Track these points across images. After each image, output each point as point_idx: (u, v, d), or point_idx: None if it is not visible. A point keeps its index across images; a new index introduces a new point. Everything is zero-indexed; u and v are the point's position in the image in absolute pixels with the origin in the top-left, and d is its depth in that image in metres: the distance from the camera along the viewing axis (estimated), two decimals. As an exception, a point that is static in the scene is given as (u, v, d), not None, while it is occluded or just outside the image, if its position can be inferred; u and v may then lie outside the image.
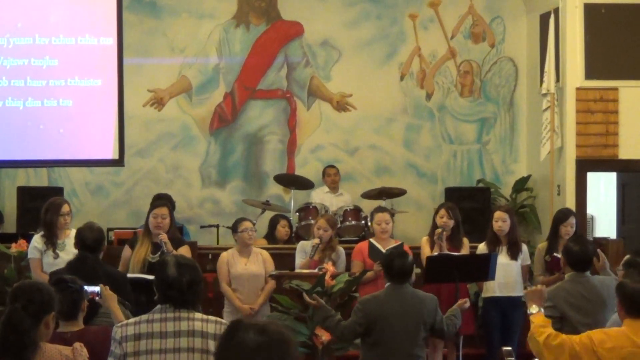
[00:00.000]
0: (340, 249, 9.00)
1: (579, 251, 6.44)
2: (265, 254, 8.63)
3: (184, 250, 7.83)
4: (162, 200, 8.95)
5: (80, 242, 6.82)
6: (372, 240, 8.62)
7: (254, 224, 8.70)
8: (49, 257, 7.89)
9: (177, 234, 8.30)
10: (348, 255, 8.98)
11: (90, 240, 6.77)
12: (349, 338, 6.77)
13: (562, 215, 8.56)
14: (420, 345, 6.43)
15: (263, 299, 8.44)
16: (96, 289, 5.51)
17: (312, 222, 9.59)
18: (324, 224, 8.90)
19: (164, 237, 7.89)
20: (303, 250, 9.00)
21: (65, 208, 8.00)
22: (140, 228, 8.33)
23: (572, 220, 8.48)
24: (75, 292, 5.02)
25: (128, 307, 5.84)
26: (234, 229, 8.58)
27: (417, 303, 6.40)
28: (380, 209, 8.99)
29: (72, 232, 8.06)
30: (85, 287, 5.49)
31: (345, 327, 6.52)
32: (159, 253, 7.83)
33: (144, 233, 8.07)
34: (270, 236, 10.46)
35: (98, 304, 5.63)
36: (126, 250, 8.13)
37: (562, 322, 6.26)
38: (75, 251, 7.94)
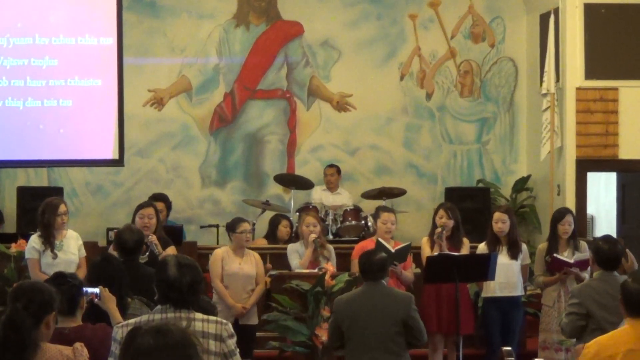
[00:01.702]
0: (330, 247, 9.00)
1: (607, 250, 6.48)
2: (257, 255, 8.57)
3: (171, 251, 7.83)
4: (148, 201, 8.91)
5: (119, 245, 6.85)
6: (379, 239, 8.47)
7: (253, 224, 8.69)
8: (47, 257, 7.88)
9: (163, 234, 8.24)
10: (345, 255, 8.98)
11: (131, 242, 6.81)
12: (332, 339, 6.79)
13: (558, 215, 8.58)
14: (397, 341, 6.40)
15: (254, 299, 8.40)
16: (96, 290, 5.50)
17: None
18: (312, 219, 8.90)
19: (153, 238, 7.88)
20: (295, 251, 8.97)
21: (62, 208, 7.98)
22: None
23: (569, 218, 8.47)
24: (73, 287, 5.01)
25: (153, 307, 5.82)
26: (232, 228, 8.55)
27: (387, 300, 6.43)
28: (386, 209, 8.98)
29: (69, 232, 8.08)
30: (86, 289, 5.49)
31: (329, 329, 6.62)
32: (148, 253, 7.83)
33: None
34: (271, 236, 10.44)
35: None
36: (112, 251, 8.03)
37: (587, 319, 6.29)
38: (73, 251, 7.99)
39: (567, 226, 8.40)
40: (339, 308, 6.54)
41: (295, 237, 10.39)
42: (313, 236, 8.75)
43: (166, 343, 2.75)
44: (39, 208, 8.02)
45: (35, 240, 7.96)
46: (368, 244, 8.52)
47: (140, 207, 8.19)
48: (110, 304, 5.48)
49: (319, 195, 11.34)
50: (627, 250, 7.37)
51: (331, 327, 6.61)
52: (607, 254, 6.49)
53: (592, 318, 6.30)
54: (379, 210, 8.98)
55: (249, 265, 8.45)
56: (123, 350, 2.81)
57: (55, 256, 7.87)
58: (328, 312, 8.12)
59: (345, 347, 6.57)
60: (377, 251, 6.68)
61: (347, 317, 6.45)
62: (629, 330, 4.84)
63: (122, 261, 6.37)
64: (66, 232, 8.04)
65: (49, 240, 7.89)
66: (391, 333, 6.38)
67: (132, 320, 4.59)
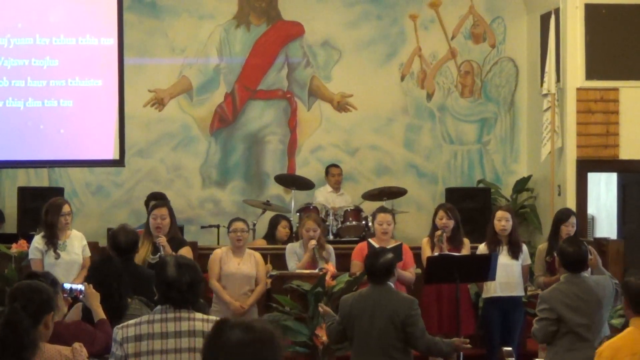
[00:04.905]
0: (330, 247, 8.99)
1: (573, 252, 6.43)
2: (258, 255, 8.55)
3: (185, 251, 7.72)
4: (161, 201, 8.90)
5: (113, 245, 6.85)
6: (370, 240, 8.59)
7: (254, 224, 8.66)
8: (50, 257, 7.89)
9: (178, 234, 8.24)
10: (345, 256, 8.97)
11: (123, 243, 6.81)
12: (334, 338, 6.79)
13: (562, 215, 8.56)
14: (397, 347, 6.34)
15: (253, 300, 8.39)
16: (80, 286, 5.51)
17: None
18: (312, 224, 8.84)
19: (162, 240, 7.82)
20: (293, 252, 8.95)
21: (65, 208, 8.00)
22: (139, 228, 8.28)
23: (573, 219, 8.47)
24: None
25: (153, 308, 5.82)
26: (228, 228, 8.58)
27: (389, 302, 6.38)
28: (382, 210, 8.99)
29: (73, 233, 8.09)
30: (70, 285, 5.51)
31: (333, 327, 6.60)
32: (159, 254, 7.81)
33: (145, 234, 8.01)
34: (270, 236, 10.44)
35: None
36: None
37: (558, 324, 6.26)
38: (76, 251, 7.99)
39: (571, 227, 8.38)
40: (343, 307, 6.53)
41: (295, 237, 10.39)
42: (313, 243, 8.72)
43: (254, 337, 2.74)
44: (43, 208, 8.03)
45: (38, 240, 7.97)
46: (365, 245, 8.57)
47: (155, 207, 8.15)
48: (94, 301, 5.47)
49: (325, 197, 11.33)
50: (590, 247, 7.34)
51: (336, 323, 6.57)
52: (572, 256, 6.44)
53: (563, 322, 6.27)
54: (375, 212, 9.01)
55: (248, 265, 8.43)
56: (209, 342, 2.77)
57: (57, 256, 7.88)
58: (328, 312, 8.13)
59: (351, 347, 6.56)
60: (382, 253, 6.64)
61: (349, 317, 6.44)
62: (636, 331, 4.82)
63: (124, 261, 6.39)
64: (70, 233, 8.05)
65: (52, 241, 7.91)
66: (392, 337, 6.35)
67: (132, 321, 4.60)
